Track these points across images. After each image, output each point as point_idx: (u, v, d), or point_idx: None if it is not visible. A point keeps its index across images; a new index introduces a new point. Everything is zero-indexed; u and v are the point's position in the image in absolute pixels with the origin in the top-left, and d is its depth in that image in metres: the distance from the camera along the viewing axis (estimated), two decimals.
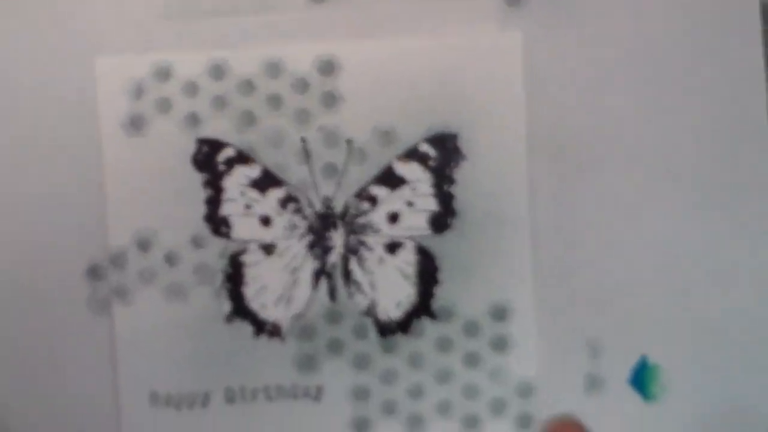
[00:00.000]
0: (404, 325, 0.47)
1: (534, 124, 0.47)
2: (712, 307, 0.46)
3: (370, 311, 0.47)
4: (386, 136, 0.47)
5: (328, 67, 0.47)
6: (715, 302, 0.46)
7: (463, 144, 0.47)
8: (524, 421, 0.47)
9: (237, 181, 0.47)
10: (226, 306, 0.47)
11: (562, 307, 0.47)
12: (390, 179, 0.47)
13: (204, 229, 0.47)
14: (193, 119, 0.47)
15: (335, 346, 0.47)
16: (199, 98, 0.47)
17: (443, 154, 0.47)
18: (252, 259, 0.47)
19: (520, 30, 0.47)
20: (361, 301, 0.47)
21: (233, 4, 0.47)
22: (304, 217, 0.47)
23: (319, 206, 0.47)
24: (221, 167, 0.47)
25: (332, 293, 0.47)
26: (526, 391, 0.47)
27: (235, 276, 0.47)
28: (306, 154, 0.47)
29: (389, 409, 0.47)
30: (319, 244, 0.47)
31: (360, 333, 0.47)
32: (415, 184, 0.47)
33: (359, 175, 0.47)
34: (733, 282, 0.47)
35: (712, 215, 0.47)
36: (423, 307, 0.47)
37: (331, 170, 0.47)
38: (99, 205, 0.47)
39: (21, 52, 0.47)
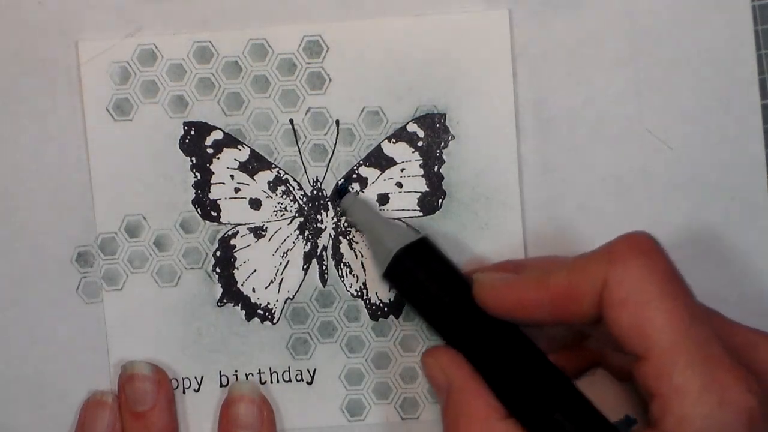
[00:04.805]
0: (396, 308, 0.47)
1: (523, 102, 0.46)
2: (708, 287, 0.46)
3: (361, 294, 0.47)
4: (374, 116, 0.46)
5: (315, 48, 0.47)
6: (711, 282, 0.46)
7: (452, 123, 0.46)
8: None
9: (225, 165, 0.47)
10: (217, 290, 0.47)
11: None
12: (379, 160, 0.47)
13: (193, 214, 0.47)
14: (180, 102, 0.47)
15: (327, 330, 0.47)
16: (185, 81, 0.47)
17: (432, 133, 0.46)
18: (242, 242, 0.47)
19: (507, 7, 0.46)
20: (353, 284, 0.47)
21: None
22: (294, 200, 0.47)
23: (308, 188, 0.47)
24: (209, 151, 0.47)
25: (323, 276, 0.47)
26: None
27: (225, 260, 0.47)
28: (294, 136, 0.47)
29: (382, 392, 0.47)
30: (309, 227, 0.47)
31: (352, 316, 0.47)
32: (404, 164, 0.47)
33: (348, 156, 0.47)
34: (729, 261, 0.46)
35: (704, 192, 0.46)
36: None
37: (319, 152, 0.47)
38: (86, 190, 0.47)
39: (3, 36, 0.47)
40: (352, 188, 0.47)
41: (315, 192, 0.47)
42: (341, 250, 0.47)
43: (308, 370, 0.47)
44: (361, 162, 0.47)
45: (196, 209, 0.47)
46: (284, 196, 0.47)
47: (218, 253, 0.47)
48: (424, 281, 0.41)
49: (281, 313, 0.47)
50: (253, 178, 0.47)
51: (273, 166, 0.47)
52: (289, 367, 0.47)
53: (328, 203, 0.47)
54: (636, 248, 0.36)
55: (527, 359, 0.39)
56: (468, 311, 0.40)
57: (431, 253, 0.42)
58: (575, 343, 0.43)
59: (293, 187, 0.47)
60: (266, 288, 0.47)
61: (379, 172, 0.47)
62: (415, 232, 0.43)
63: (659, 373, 0.33)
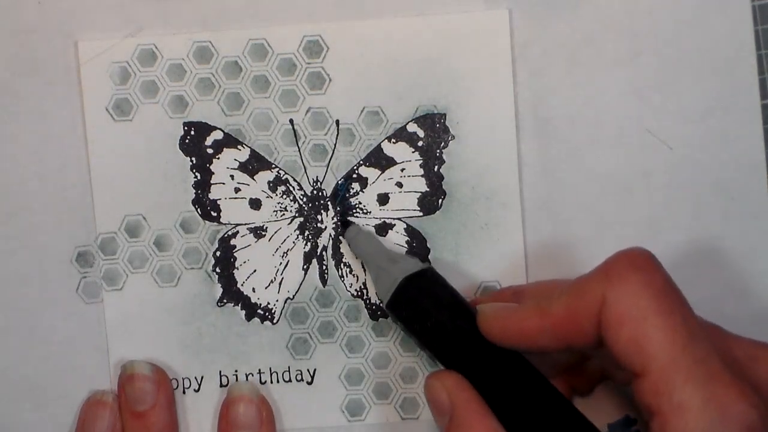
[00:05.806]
0: None
1: (523, 102, 0.46)
2: (707, 287, 0.46)
3: (361, 294, 0.47)
4: (374, 116, 0.46)
5: (315, 48, 0.47)
6: (711, 282, 0.46)
7: (452, 123, 0.46)
8: None
9: (225, 165, 0.47)
10: (217, 290, 0.47)
11: None
12: (379, 160, 0.47)
13: (193, 214, 0.47)
14: (180, 102, 0.47)
15: (327, 330, 0.47)
16: (185, 81, 0.47)
17: (432, 133, 0.46)
18: (242, 242, 0.47)
19: (507, 7, 0.46)
20: (353, 284, 0.47)
21: None
22: (294, 200, 0.47)
23: (308, 188, 0.47)
24: (209, 151, 0.47)
25: (323, 276, 0.47)
26: None
27: (225, 260, 0.47)
28: (294, 136, 0.47)
29: (382, 392, 0.47)
30: (309, 227, 0.47)
31: (352, 316, 0.47)
32: (404, 164, 0.47)
33: (348, 156, 0.47)
34: (728, 261, 0.46)
35: (703, 193, 0.46)
36: None
37: (319, 152, 0.47)
38: (86, 190, 0.47)
39: (3, 36, 0.47)
40: (353, 199, 0.47)
41: (315, 192, 0.47)
42: (341, 250, 0.47)
43: (308, 370, 0.47)
44: (361, 162, 0.47)
45: (196, 209, 0.47)
46: (284, 196, 0.47)
47: (218, 253, 0.47)
48: (429, 309, 0.41)
49: (281, 313, 0.47)
50: (253, 178, 0.47)
51: (273, 166, 0.47)
52: (289, 367, 0.47)
53: (328, 203, 0.47)
54: (632, 265, 0.35)
55: (530, 385, 0.39)
56: (473, 339, 0.40)
57: (436, 282, 0.42)
58: (577, 365, 0.43)
59: (293, 187, 0.47)
60: (266, 288, 0.47)
61: (379, 172, 0.47)
62: (419, 263, 0.43)
63: (659, 390, 0.33)
